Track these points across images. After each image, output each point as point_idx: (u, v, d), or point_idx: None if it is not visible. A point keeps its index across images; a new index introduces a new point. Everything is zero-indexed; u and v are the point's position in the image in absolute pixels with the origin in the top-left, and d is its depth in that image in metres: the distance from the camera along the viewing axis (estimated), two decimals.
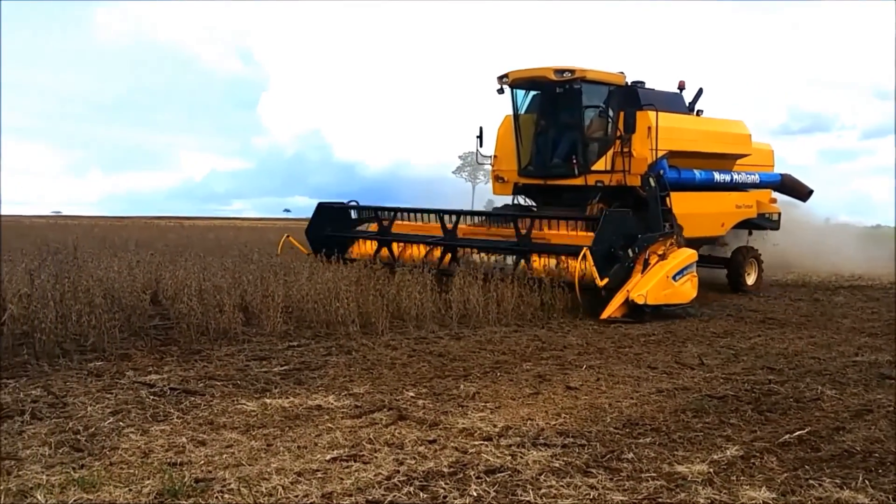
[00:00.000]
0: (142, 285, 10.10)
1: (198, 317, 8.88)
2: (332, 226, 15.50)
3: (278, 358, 8.04)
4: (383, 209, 15.24)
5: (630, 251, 11.96)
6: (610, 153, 14.56)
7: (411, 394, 6.85)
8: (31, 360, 7.26)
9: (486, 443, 5.50)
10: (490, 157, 16.27)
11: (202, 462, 4.95)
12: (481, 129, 15.98)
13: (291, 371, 7.51)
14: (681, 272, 12.19)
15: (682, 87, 16.16)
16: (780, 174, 18.18)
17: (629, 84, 15.23)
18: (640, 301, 11.51)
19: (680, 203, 14.48)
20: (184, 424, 5.73)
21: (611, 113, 14.73)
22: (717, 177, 15.81)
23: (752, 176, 16.82)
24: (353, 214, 15.78)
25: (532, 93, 15.64)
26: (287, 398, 6.52)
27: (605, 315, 11.46)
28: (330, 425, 5.82)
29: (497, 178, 16.24)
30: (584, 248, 11.59)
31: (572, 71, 14.37)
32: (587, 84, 14.58)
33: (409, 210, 15.00)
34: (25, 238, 19.29)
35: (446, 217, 14.07)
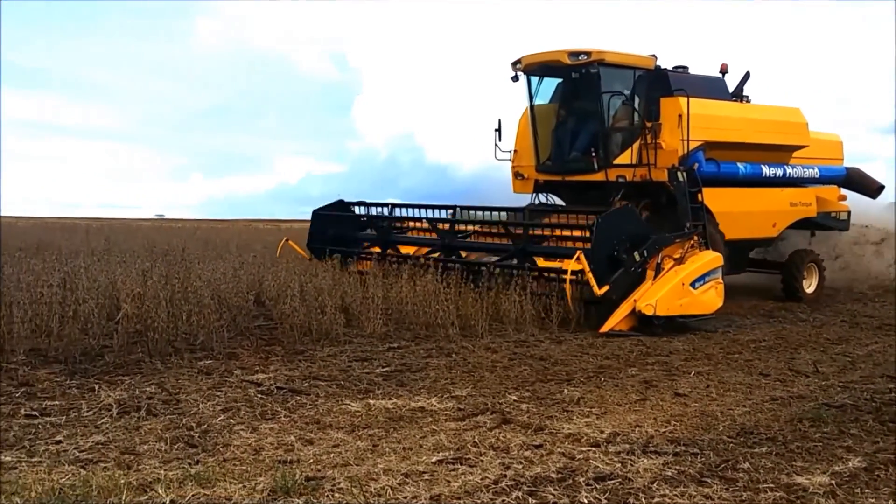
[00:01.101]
0: (246, 286, 10.32)
1: (300, 318, 9.00)
2: (336, 229, 14.30)
3: (379, 359, 8.08)
4: (382, 205, 14.24)
5: (637, 254, 10.46)
6: (636, 145, 13.07)
7: (514, 397, 6.77)
8: (145, 358, 7.48)
9: (593, 449, 5.38)
10: (510, 151, 14.66)
11: (311, 461, 4.99)
12: (500, 121, 14.41)
13: (393, 372, 7.53)
14: (701, 279, 10.65)
15: (724, 70, 14.44)
16: (846, 168, 16.35)
17: (659, 68, 13.54)
18: (649, 312, 10.01)
19: (720, 200, 13.15)
20: (291, 423, 5.80)
21: (637, 100, 13.21)
22: (767, 171, 14.13)
23: (811, 170, 15.01)
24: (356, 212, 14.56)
25: (552, 80, 14.17)
26: (390, 399, 6.54)
27: (605, 328, 10.00)
28: (434, 427, 5.80)
29: (516, 175, 14.70)
30: (578, 251, 10.33)
31: (588, 53, 12.79)
32: (606, 68, 12.94)
33: (404, 206, 13.80)
34: (133, 240, 19.98)
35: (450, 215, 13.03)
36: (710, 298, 10.79)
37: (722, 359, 8.79)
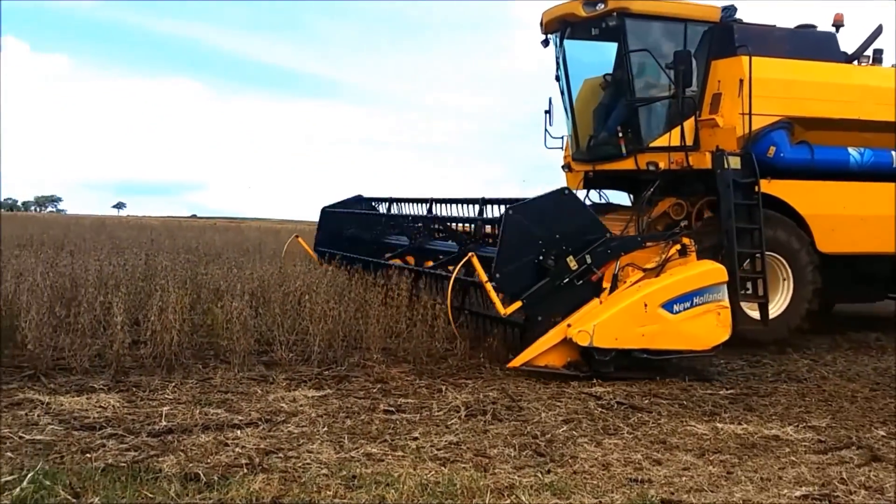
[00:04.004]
0: None
1: None
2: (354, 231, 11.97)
3: (721, 380, 7.67)
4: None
5: (573, 260, 7.45)
6: (689, 123, 9.88)
7: (881, 433, 6.06)
8: (486, 363, 7.69)
9: None
10: (562, 138, 11.64)
11: (662, 482, 4.77)
12: (551, 100, 11.48)
13: (739, 396, 7.09)
14: (685, 299, 7.50)
15: (838, 23, 10.88)
16: None
17: (730, 20, 10.30)
18: (583, 341, 7.16)
19: (814, 198, 10.03)
20: (635, 440, 5.62)
21: (694, 64, 9.90)
22: None
23: None
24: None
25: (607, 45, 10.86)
26: (739, 424, 6.13)
27: (517, 361, 7.32)
28: (793, 458, 5.33)
29: (563, 167, 11.85)
30: (470, 253, 7.76)
31: (605, 1, 9.89)
32: (634, 20, 9.91)
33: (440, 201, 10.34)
34: None
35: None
36: (702, 329, 7.60)
37: None
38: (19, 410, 5.61)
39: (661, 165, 10.02)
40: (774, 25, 10.68)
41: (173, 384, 6.47)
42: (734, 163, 9.45)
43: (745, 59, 9.68)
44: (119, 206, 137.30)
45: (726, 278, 7.84)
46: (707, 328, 7.62)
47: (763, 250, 9.26)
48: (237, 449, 4.95)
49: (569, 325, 7.24)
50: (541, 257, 7.44)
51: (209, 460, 4.70)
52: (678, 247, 7.82)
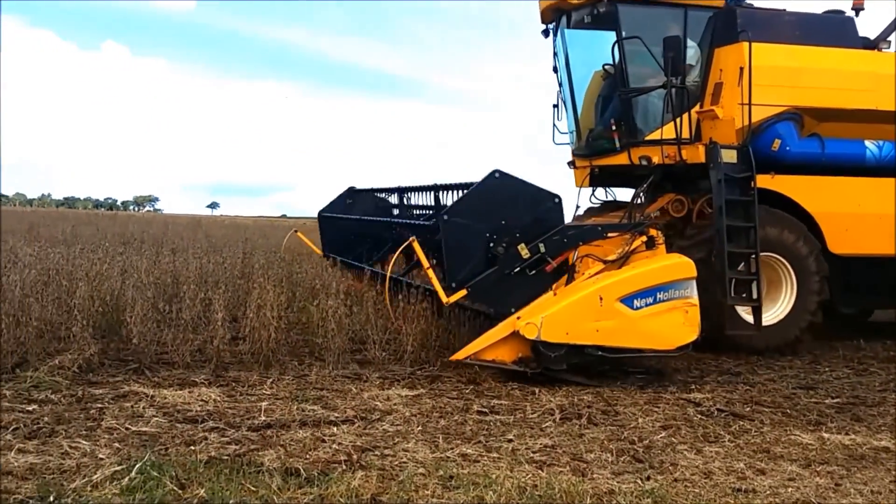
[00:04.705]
0: None
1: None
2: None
3: (825, 388, 7.39)
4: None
5: (525, 249, 6.93)
6: (689, 115, 9.27)
7: None
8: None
9: None
10: (570, 133, 10.84)
11: (767, 492, 4.61)
12: (559, 94, 10.91)
13: (845, 405, 6.80)
14: (648, 294, 6.92)
15: (858, 7, 10.06)
16: None
17: (728, 4, 9.52)
18: (531, 334, 6.61)
19: (822, 195, 9.24)
20: (737, 449, 5.45)
21: (696, 52, 9.40)
22: None
23: None
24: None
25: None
26: (846, 434, 5.87)
27: (461, 353, 6.78)
28: None
29: (569, 164, 11.12)
30: (412, 237, 7.46)
31: None
32: (627, 6, 9.28)
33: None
34: None
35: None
36: (666, 327, 7.00)
37: None
38: (125, 402, 5.79)
39: (655, 160, 9.42)
40: (784, 10, 9.93)
41: (271, 380, 6.58)
42: (728, 156, 8.77)
43: (746, 45, 9.01)
44: (213, 205, 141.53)
45: (695, 274, 7.20)
46: (672, 327, 7.04)
47: (757, 251, 8.56)
48: (334, 445, 5.00)
49: (518, 317, 6.71)
50: (492, 242, 6.96)
51: (308, 456, 4.76)
52: (644, 238, 7.30)
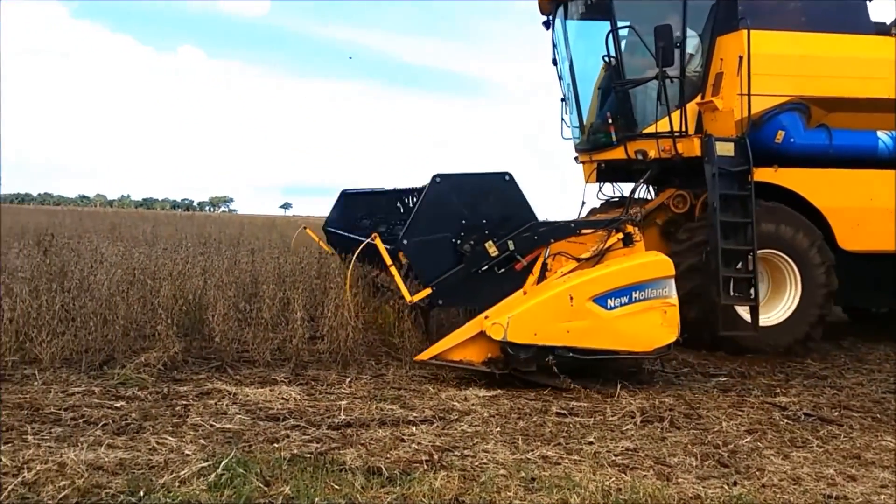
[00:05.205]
0: None
1: None
2: None
3: None
4: None
5: (494, 245, 6.75)
6: (691, 107, 8.94)
7: None
8: (659, 370, 7.46)
9: None
10: (574, 127, 10.41)
11: (859, 499, 4.47)
12: (569, 87, 10.48)
13: None
14: (623, 293, 6.58)
15: None
16: None
17: None
18: (497, 335, 6.33)
19: (831, 189, 8.76)
20: (826, 454, 5.29)
21: (699, 41, 9.00)
22: None
23: None
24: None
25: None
26: None
27: (427, 353, 6.57)
28: None
29: (575, 159, 10.75)
30: (374, 233, 7.36)
31: None
32: None
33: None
34: None
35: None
36: (643, 328, 6.66)
37: None
38: (209, 400, 5.90)
39: (652, 154, 9.05)
40: None
41: (349, 379, 6.64)
42: (724, 149, 8.42)
43: (745, 33, 8.63)
44: (286, 206, 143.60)
45: (672, 272, 6.85)
46: (649, 327, 6.68)
47: (755, 248, 8.19)
48: (414, 445, 5.01)
49: (486, 317, 6.45)
50: (458, 240, 6.77)
51: (389, 455, 4.78)
52: (620, 235, 7.00)
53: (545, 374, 6.53)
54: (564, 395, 6.49)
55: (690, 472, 4.79)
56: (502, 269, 6.77)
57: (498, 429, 5.47)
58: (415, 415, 5.71)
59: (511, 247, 6.77)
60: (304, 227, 11.39)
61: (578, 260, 6.92)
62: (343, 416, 5.58)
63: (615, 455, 5.02)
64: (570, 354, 6.52)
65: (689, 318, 7.56)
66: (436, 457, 4.76)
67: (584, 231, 7.12)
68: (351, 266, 7.62)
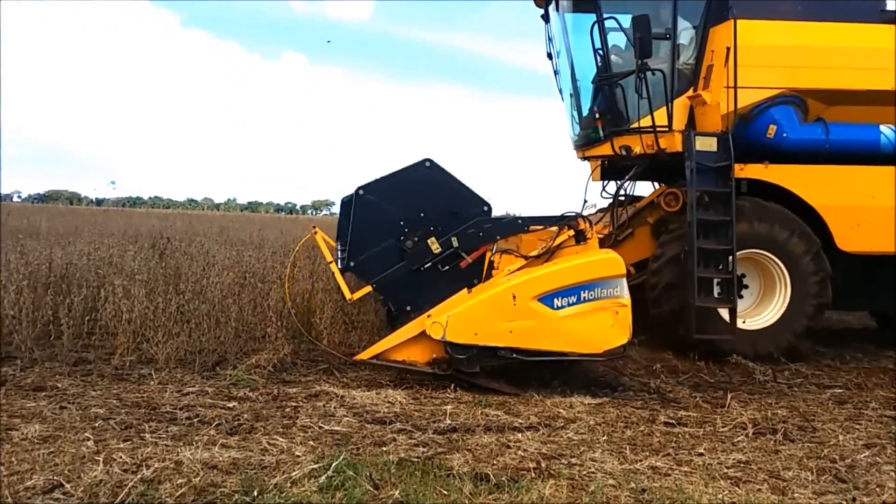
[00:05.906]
0: None
1: None
2: None
3: None
4: None
5: (436, 242, 6.56)
6: (681, 101, 8.51)
7: None
8: (770, 380, 7.26)
9: None
10: (578, 122, 9.95)
11: None
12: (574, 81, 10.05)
13: None
14: (571, 292, 6.26)
15: None
16: None
17: None
18: (437, 334, 6.19)
19: (827, 186, 8.18)
20: None
21: (693, 33, 8.57)
22: None
23: None
24: None
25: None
26: None
27: (367, 354, 6.49)
28: None
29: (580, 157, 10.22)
30: (315, 226, 7.19)
31: None
32: None
33: None
34: None
35: None
36: (593, 329, 6.34)
37: None
38: (317, 402, 6.02)
39: (636, 150, 8.70)
40: None
41: (453, 384, 6.66)
42: (706, 144, 8.03)
43: (732, 23, 8.24)
44: None
45: (623, 271, 6.52)
46: (599, 329, 6.36)
47: (734, 247, 7.80)
48: (520, 452, 5.00)
49: (429, 315, 6.32)
50: (400, 237, 6.65)
51: (496, 461, 4.78)
52: (571, 232, 6.72)
53: (488, 376, 6.44)
54: (672, 405, 6.38)
55: (806, 486, 4.63)
56: (446, 267, 6.64)
57: (605, 437, 5.41)
58: (520, 421, 5.70)
59: (455, 243, 6.62)
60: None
61: (526, 258, 6.73)
62: (448, 421, 5.61)
63: (727, 467, 4.90)
64: (514, 356, 6.34)
65: (665, 312, 7.56)
66: (543, 464, 4.73)
67: (532, 227, 6.84)
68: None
